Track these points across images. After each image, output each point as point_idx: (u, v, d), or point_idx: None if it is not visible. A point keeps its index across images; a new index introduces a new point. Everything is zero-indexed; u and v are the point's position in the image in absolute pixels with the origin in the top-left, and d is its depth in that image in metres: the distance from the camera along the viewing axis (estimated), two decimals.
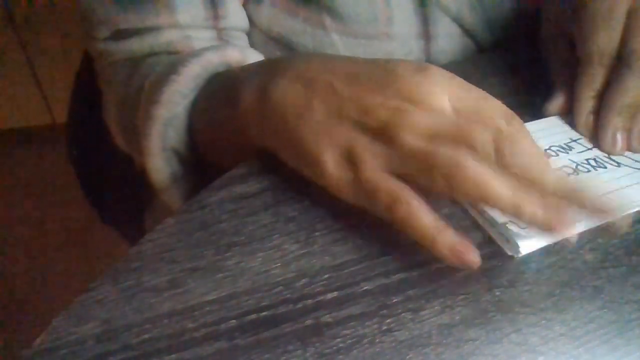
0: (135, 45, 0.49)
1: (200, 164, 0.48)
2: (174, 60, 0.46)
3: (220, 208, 0.36)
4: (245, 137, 0.39)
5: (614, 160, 0.37)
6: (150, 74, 0.47)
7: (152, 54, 0.49)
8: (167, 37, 0.49)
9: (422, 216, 0.30)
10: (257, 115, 0.37)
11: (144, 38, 0.49)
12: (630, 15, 0.39)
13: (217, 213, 0.36)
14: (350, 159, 0.32)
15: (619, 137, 0.38)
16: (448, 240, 0.30)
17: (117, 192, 0.76)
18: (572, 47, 0.42)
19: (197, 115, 0.45)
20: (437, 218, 0.30)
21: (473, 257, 0.30)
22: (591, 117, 0.39)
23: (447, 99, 0.32)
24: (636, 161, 0.37)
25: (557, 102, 0.41)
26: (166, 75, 0.45)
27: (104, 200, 0.77)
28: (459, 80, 0.33)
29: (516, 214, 0.29)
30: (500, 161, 0.30)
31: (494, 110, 0.32)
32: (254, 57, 0.47)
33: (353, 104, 0.32)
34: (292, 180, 0.37)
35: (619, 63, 0.39)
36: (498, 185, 0.29)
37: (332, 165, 0.33)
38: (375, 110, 0.32)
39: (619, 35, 0.39)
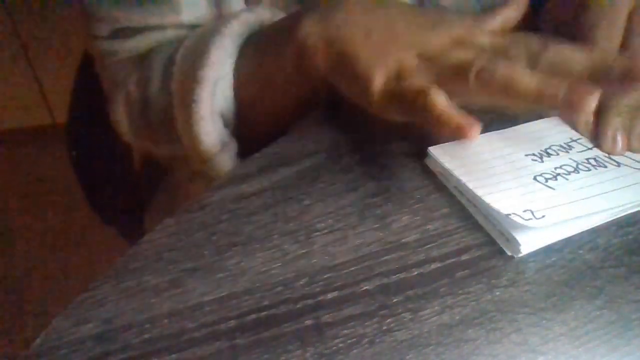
0: (140, 42, 0.49)
1: (239, 130, 0.49)
2: (210, 26, 0.46)
3: (220, 208, 0.36)
4: (301, 66, 0.41)
5: (614, 160, 0.37)
6: (174, 51, 0.47)
7: (159, 45, 0.50)
8: (172, 33, 0.49)
9: (441, 101, 0.35)
10: (318, 38, 0.40)
11: (148, 35, 0.49)
12: (631, 16, 0.39)
13: (217, 213, 0.36)
14: (397, 75, 0.37)
15: (619, 138, 0.38)
16: (457, 118, 0.34)
17: (117, 192, 0.76)
18: None
19: (243, 71, 0.46)
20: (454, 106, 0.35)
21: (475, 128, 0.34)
22: (591, 117, 0.39)
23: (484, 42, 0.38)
24: (636, 161, 0.37)
25: None
26: (206, 39, 0.45)
27: (104, 200, 0.77)
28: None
29: (538, 97, 0.33)
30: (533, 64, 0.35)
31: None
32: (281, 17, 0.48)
33: (410, 34, 0.39)
34: (292, 180, 0.37)
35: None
36: (522, 76, 0.33)
37: (379, 81, 0.37)
38: (429, 42, 0.38)
39: (621, 35, 0.39)
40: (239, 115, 0.48)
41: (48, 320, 0.30)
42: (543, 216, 0.33)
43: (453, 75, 0.36)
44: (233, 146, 0.48)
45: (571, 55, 0.35)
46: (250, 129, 0.48)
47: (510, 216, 0.32)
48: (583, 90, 0.32)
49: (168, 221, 0.35)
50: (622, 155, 0.38)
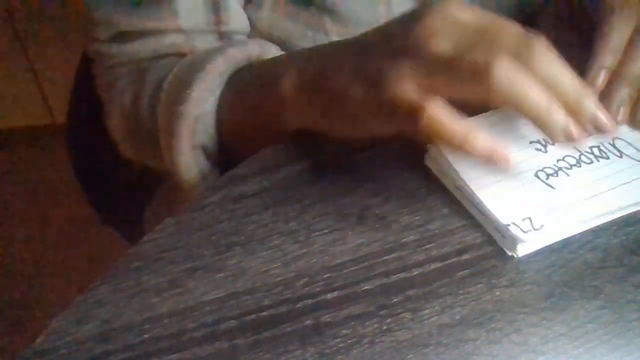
0: (139, 48, 0.49)
1: (224, 159, 0.48)
2: (197, 58, 0.46)
3: (220, 208, 0.36)
4: (280, 119, 0.40)
5: (617, 150, 0.37)
6: (165, 75, 0.47)
7: (157, 56, 0.49)
8: (171, 39, 0.49)
9: (446, 120, 0.30)
10: (297, 95, 0.38)
11: (146, 41, 0.49)
12: None
13: (217, 213, 0.36)
14: (378, 85, 0.32)
15: (622, 109, 0.38)
16: (480, 137, 0.30)
17: (117, 192, 0.76)
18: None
19: (225, 109, 0.45)
20: (464, 120, 0.30)
21: (505, 153, 0.30)
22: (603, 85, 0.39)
23: (469, 16, 0.32)
24: (638, 151, 0.37)
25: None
26: (191, 73, 0.45)
27: (104, 200, 0.77)
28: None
29: (547, 121, 0.30)
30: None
31: (512, 27, 0.32)
32: (272, 50, 0.47)
33: (380, 39, 0.34)
34: (292, 180, 0.37)
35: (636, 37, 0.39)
36: (534, 89, 0.29)
37: (360, 93, 0.33)
38: (399, 36, 0.33)
39: (632, 27, 0.39)
40: (223, 145, 0.47)
41: (48, 320, 0.30)
42: (542, 226, 0.33)
43: (444, 80, 0.31)
44: (213, 178, 0.47)
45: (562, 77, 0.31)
46: (236, 157, 0.47)
47: (509, 227, 0.32)
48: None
49: (168, 221, 0.35)
50: (626, 143, 0.37)
